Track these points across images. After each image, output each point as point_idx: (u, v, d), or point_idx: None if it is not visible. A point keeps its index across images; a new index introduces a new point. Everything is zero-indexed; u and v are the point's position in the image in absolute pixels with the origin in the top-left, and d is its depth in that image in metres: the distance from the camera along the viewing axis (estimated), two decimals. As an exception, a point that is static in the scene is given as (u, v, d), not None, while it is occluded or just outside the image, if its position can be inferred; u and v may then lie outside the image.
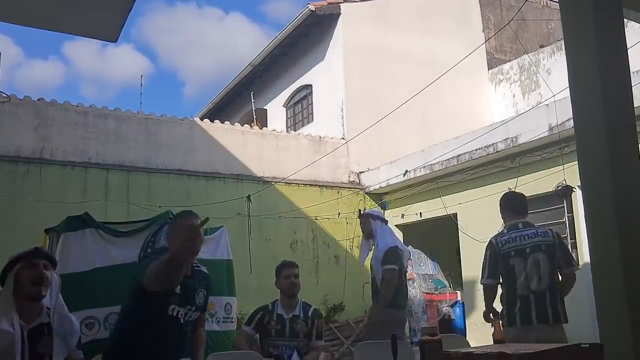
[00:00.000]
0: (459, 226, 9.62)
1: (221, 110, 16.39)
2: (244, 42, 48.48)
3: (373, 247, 5.36)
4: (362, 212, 6.12)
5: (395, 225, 11.48)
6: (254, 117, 13.25)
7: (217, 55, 49.18)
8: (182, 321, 2.96)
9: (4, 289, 2.56)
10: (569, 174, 7.25)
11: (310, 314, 4.12)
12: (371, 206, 11.59)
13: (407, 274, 5.44)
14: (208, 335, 5.58)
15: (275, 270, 4.31)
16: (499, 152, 8.86)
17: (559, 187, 7.61)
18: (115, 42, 3.19)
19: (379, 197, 11.68)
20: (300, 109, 13.97)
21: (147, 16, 52.33)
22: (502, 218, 4.50)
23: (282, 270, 4.24)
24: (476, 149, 9.14)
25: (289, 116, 14.42)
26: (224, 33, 50.87)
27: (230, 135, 10.87)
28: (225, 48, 49.18)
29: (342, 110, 12.03)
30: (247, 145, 10.94)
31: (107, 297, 5.08)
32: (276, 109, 14.54)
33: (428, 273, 11.74)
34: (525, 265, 4.02)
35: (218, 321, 5.77)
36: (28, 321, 2.54)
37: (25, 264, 2.59)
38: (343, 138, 11.80)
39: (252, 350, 3.89)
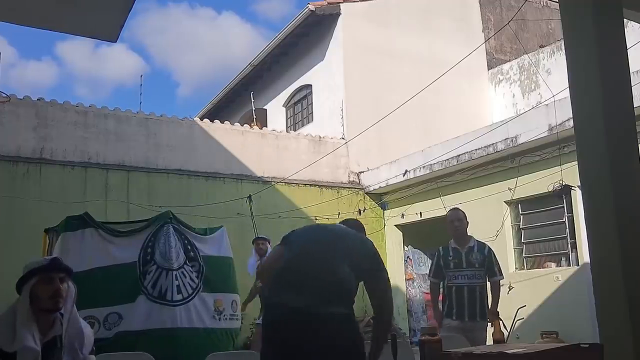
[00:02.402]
0: (458, 226, 9.61)
1: (221, 110, 16.38)
2: (236, 42, 48.43)
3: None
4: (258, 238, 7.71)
5: (395, 225, 11.49)
6: (254, 117, 13.24)
7: (211, 55, 49.16)
8: None
9: (20, 301, 2.53)
10: (569, 174, 7.25)
11: None
12: (371, 206, 11.60)
13: None
14: (214, 333, 5.60)
15: None
16: (498, 152, 8.86)
17: (558, 187, 7.61)
18: (115, 42, 3.20)
19: (379, 197, 11.68)
20: (300, 109, 13.97)
21: (140, 16, 52.20)
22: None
23: None
24: (476, 149, 9.14)
25: (288, 116, 14.42)
26: (216, 33, 50.79)
27: (230, 135, 10.86)
28: (218, 48, 49.15)
29: (342, 110, 12.03)
30: (247, 145, 10.94)
31: (106, 297, 5.08)
32: (276, 109, 14.54)
33: (428, 273, 11.74)
34: None
35: (226, 318, 5.77)
36: (43, 334, 2.53)
37: (41, 279, 2.55)
38: (343, 138, 11.80)
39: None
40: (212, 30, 50.76)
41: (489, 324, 4.62)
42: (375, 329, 2.95)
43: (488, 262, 5.00)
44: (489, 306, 4.88)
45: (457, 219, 5.04)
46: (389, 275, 3.08)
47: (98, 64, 48.03)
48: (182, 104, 51.49)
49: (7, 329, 2.43)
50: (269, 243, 7.50)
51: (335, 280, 2.75)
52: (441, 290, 5.05)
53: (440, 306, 5.02)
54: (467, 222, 5.09)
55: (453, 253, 5.02)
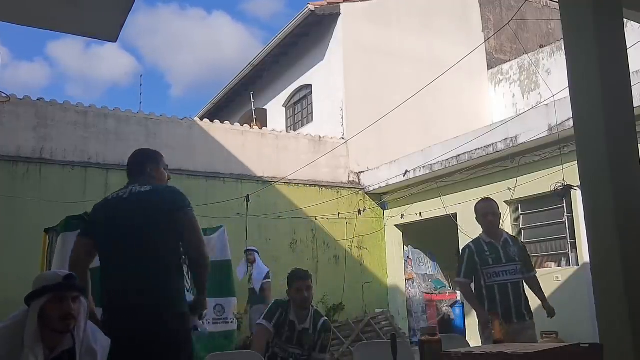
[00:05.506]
0: (458, 226, 9.61)
1: (221, 110, 16.39)
2: (228, 42, 48.46)
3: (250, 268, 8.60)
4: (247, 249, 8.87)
5: (395, 225, 11.49)
6: (254, 117, 13.25)
7: (202, 55, 49.21)
8: None
9: (29, 316, 2.40)
10: (569, 173, 7.24)
11: (319, 326, 4.04)
12: (370, 206, 11.60)
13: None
14: (205, 336, 5.60)
15: (287, 279, 4.21)
16: (498, 152, 8.86)
17: (559, 187, 7.61)
18: (115, 41, 3.20)
19: (379, 197, 11.68)
20: (300, 108, 13.97)
21: (132, 16, 52.21)
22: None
23: (292, 282, 4.06)
24: (476, 149, 9.14)
25: (288, 116, 14.42)
26: (207, 33, 50.82)
27: (230, 135, 10.86)
28: (209, 48, 49.20)
29: (341, 110, 12.03)
30: (247, 145, 10.94)
31: (107, 297, 5.07)
32: (276, 109, 14.54)
33: (428, 273, 11.75)
34: None
35: (209, 322, 5.80)
36: (50, 350, 2.42)
37: (53, 297, 2.41)
38: (343, 138, 11.80)
39: (260, 349, 3.81)
40: (202, 31, 50.81)
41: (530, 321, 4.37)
42: None
43: (525, 256, 4.60)
44: (541, 303, 4.58)
45: (492, 212, 4.55)
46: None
47: (90, 64, 48.05)
48: (175, 104, 51.52)
49: (6, 347, 2.31)
50: (257, 253, 8.70)
51: None
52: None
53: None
54: (500, 214, 4.67)
55: (489, 248, 4.47)
